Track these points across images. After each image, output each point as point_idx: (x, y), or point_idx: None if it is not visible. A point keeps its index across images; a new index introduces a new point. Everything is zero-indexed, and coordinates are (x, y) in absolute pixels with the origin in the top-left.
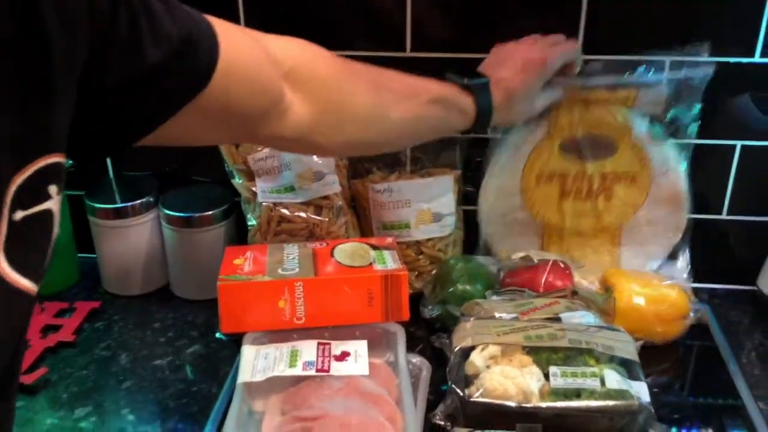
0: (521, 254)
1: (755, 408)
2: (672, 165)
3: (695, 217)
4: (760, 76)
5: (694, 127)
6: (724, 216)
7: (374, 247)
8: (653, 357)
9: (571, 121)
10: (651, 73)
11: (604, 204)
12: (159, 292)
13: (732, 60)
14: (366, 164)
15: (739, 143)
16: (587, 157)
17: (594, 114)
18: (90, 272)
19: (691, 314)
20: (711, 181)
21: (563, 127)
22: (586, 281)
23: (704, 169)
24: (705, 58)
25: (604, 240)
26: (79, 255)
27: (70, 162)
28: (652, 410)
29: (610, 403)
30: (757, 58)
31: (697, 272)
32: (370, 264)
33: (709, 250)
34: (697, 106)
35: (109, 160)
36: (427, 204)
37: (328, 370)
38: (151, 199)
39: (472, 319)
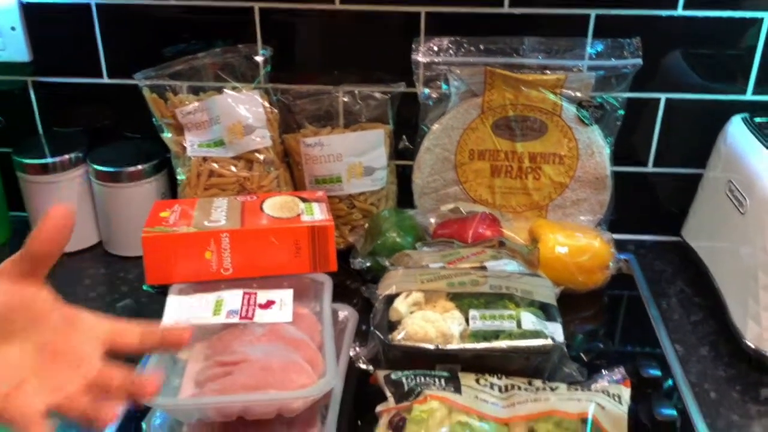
0: (450, 206)
1: (671, 348)
2: (597, 148)
3: (623, 170)
4: (683, 29)
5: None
6: (650, 168)
7: (304, 200)
8: (578, 305)
9: (504, 102)
10: (584, 57)
11: (534, 183)
12: (91, 249)
13: (663, 13)
14: (297, 118)
15: (663, 96)
16: (518, 137)
17: (525, 95)
18: (21, 230)
19: (611, 264)
20: (638, 134)
21: (496, 107)
22: (516, 236)
23: (631, 121)
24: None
25: (532, 217)
26: (11, 213)
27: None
28: (565, 349)
29: (525, 343)
30: (680, 11)
31: (624, 223)
32: (298, 215)
33: (637, 202)
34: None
35: (38, 116)
36: (359, 158)
37: (251, 318)
38: (81, 155)
39: (400, 269)
